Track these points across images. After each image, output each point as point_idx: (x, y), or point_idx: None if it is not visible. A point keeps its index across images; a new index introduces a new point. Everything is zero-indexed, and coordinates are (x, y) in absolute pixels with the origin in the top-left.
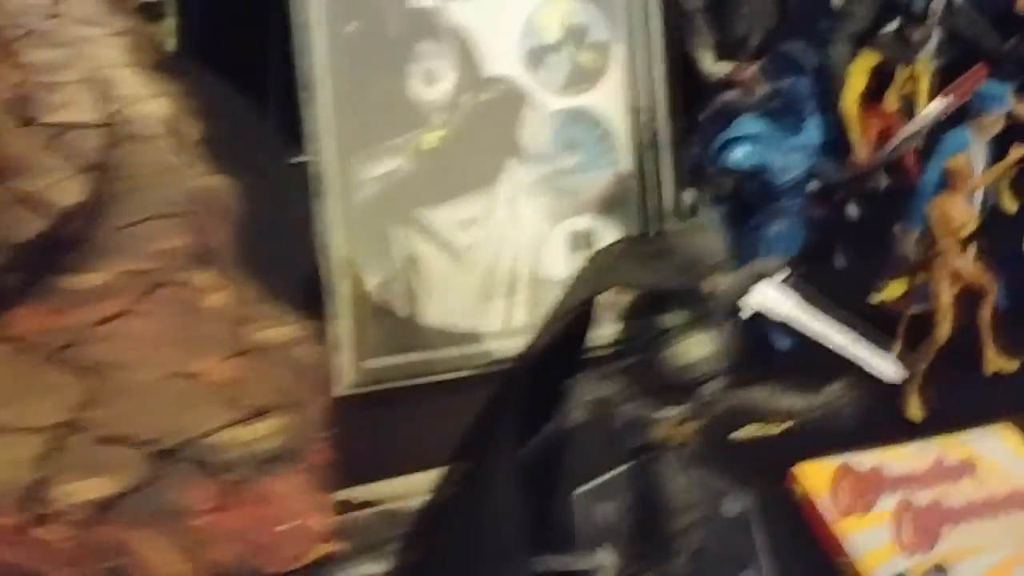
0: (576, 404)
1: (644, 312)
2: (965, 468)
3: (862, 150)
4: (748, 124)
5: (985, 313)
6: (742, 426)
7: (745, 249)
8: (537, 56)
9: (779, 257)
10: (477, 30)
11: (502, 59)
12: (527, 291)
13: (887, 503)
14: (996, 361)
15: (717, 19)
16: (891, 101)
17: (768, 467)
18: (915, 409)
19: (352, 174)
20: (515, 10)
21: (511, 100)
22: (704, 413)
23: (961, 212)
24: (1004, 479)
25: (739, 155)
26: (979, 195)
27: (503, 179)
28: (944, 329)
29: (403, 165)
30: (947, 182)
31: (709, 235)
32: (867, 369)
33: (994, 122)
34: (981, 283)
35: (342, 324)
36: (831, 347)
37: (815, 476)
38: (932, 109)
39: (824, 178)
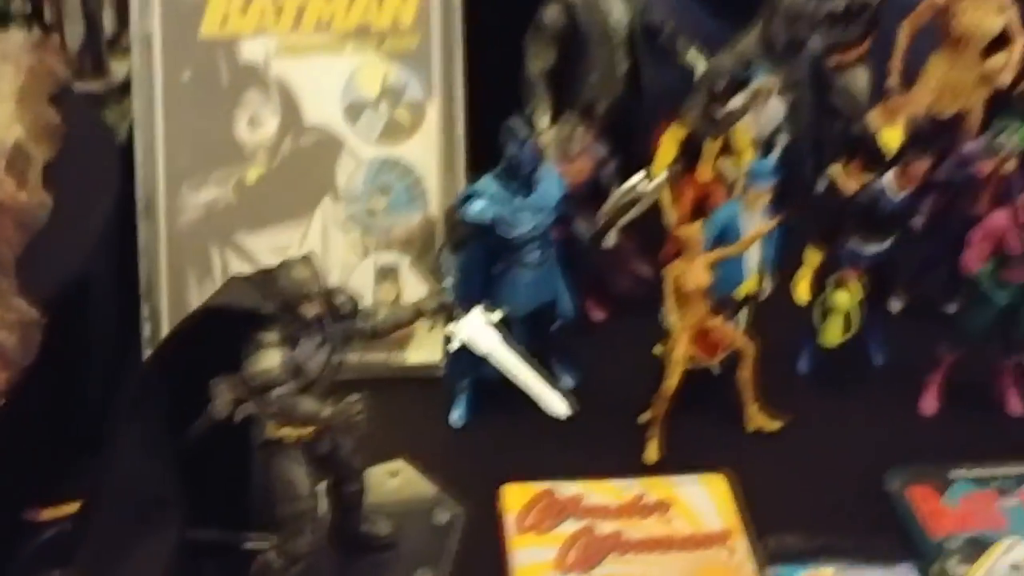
0: (218, 401)
1: (250, 327)
2: (659, 507)
3: (672, 216)
4: (485, 183)
5: (744, 373)
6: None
7: (491, 293)
8: (356, 110)
9: (523, 304)
10: (301, 84)
11: (323, 111)
12: None
13: (569, 527)
14: (757, 419)
15: (564, 85)
16: (704, 172)
17: (488, 483)
18: (652, 452)
19: (180, 199)
20: (338, 69)
21: (329, 146)
22: (273, 412)
23: (695, 277)
24: (690, 522)
25: (475, 209)
26: (754, 261)
27: (317, 214)
28: (672, 381)
29: (226, 195)
30: (679, 249)
31: (302, 268)
32: (541, 405)
33: (762, 196)
34: (737, 345)
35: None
36: (516, 382)
37: (517, 496)
38: (635, 181)
39: (575, 234)
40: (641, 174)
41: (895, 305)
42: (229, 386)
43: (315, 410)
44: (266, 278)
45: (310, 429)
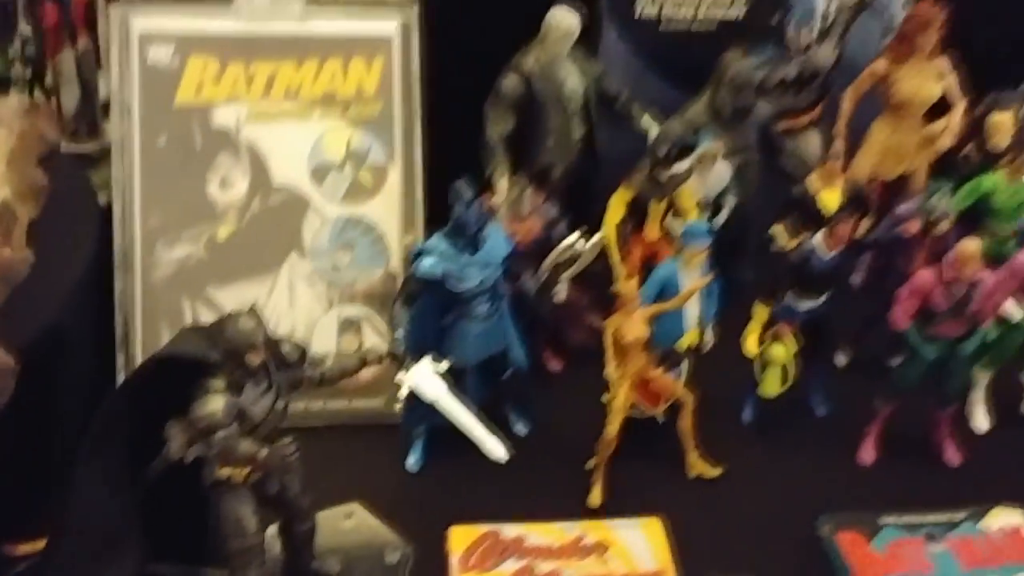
0: (172, 443)
1: (200, 374)
2: (598, 548)
3: (621, 271)
4: (435, 241)
5: (684, 422)
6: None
7: (441, 343)
8: (322, 172)
9: (473, 354)
10: (270, 148)
11: (291, 172)
12: None
13: (511, 566)
14: (698, 466)
15: (522, 150)
16: (651, 231)
17: (438, 525)
18: (595, 496)
19: (155, 255)
20: (305, 133)
21: (296, 205)
22: (216, 452)
23: (633, 330)
24: (626, 563)
25: (425, 265)
26: (693, 316)
27: (284, 269)
28: (612, 428)
29: (198, 251)
30: (617, 304)
31: (248, 320)
32: (482, 449)
33: (698, 255)
34: (677, 395)
35: None
36: (460, 427)
37: (462, 537)
38: (571, 240)
39: (521, 288)
40: (577, 234)
41: (841, 359)
42: (182, 429)
43: (252, 451)
44: (215, 328)
45: (249, 469)
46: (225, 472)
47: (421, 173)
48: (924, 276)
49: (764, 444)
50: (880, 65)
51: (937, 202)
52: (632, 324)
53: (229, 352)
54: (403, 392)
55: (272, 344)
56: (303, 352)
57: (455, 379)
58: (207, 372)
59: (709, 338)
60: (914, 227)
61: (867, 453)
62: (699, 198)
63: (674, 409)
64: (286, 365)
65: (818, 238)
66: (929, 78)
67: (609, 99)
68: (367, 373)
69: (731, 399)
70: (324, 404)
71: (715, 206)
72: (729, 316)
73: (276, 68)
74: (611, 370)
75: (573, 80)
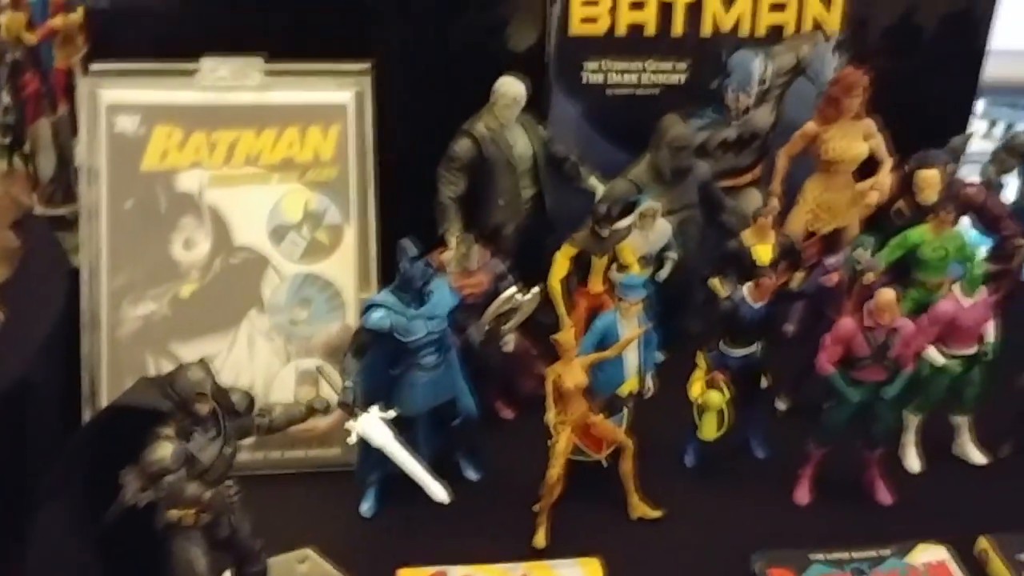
0: (127, 489)
1: (152, 422)
2: None
3: (567, 323)
4: (384, 295)
5: (626, 466)
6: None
7: (391, 392)
8: (281, 232)
9: (419, 404)
10: (232, 210)
11: (251, 233)
12: None
13: None
14: (640, 508)
15: (475, 210)
16: (595, 284)
17: (389, 568)
18: (540, 538)
19: (120, 313)
20: (265, 196)
21: (256, 264)
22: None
23: (573, 378)
24: None
25: (374, 318)
26: (633, 364)
27: (244, 325)
28: (554, 472)
29: (162, 309)
30: (557, 352)
31: (197, 370)
32: (426, 491)
33: (634, 306)
34: (618, 440)
35: None
36: (404, 470)
37: None
38: (509, 293)
39: (468, 339)
40: (515, 288)
41: (781, 405)
42: (136, 475)
43: (197, 494)
44: (167, 379)
45: (196, 511)
46: (174, 515)
47: (375, 232)
48: (846, 324)
49: (705, 486)
50: (810, 127)
51: (861, 255)
52: (572, 372)
53: (179, 401)
54: (352, 439)
55: (221, 393)
56: (251, 401)
57: (407, 427)
58: (159, 420)
59: (650, 385)
60: (835, 278)
61: (802, 494)
62: (642, 253)
63: (617, 453)
64: (235, 413)
65: (746, 290)
66: (856, 138)
67: (558, 161)
68: (320, 422)
69: (675, 444)
70: (282, 453)
71: (658, 260)
72: (674, 364)
73: (237, 136)
74: (551, 416)
75: (522, 144)
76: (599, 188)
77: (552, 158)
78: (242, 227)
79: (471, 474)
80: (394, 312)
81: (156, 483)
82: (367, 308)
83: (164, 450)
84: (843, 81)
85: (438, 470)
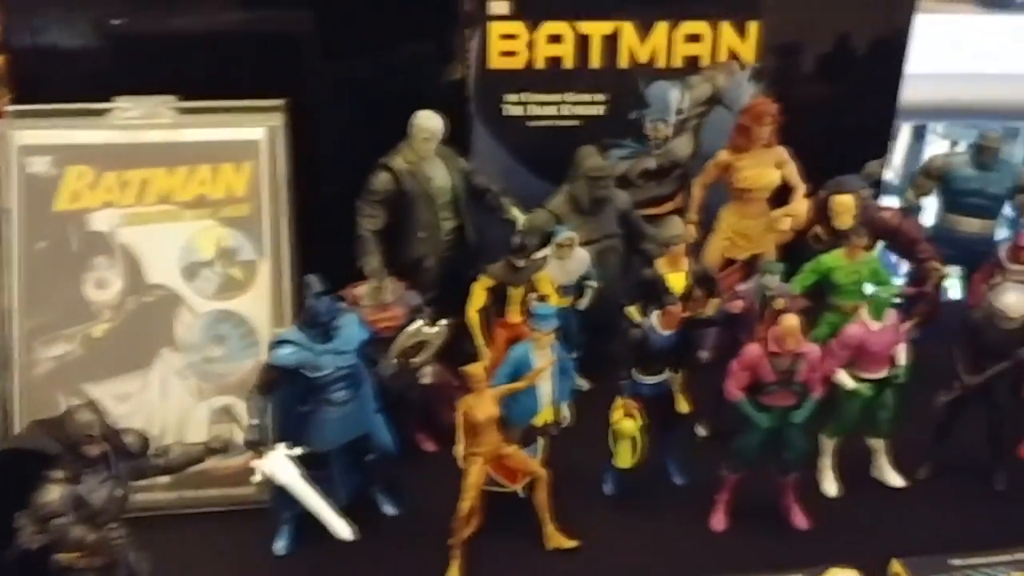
0: (21, 532)
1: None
2: None
3: (485, 354)
4: (291, 331)
5: (540, 496)
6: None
7: (300, 430)
8: (193, 270)
9: (331, 440)
10: (144, 249)
11: (163, 271)
12: None
13: None
14: (555, 538)
15: (395, 243)
16: (513, 315)
17: None
18: (453, 572)
19: (33, 353)
20: (176, 234)
21: (169, 303)
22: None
23: (484, 409)
24: None
25: (280, 353)
26: (546, 394)
27: (157, 364)
28: (465, 505)
29: (75, 349)
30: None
31: (86, 412)
32: (330, 529)
33: (546, 337)
34: (532, 470)
35: None
36: (308, 508)
37: None
38: (415, 327)
39: (380, 376)
40: (420, 321)
41: (701, 431)
42: (30, 518)
43: (81, 536)
44: (56, 421)
45: (81, 555)
46: (63, 558)
47: (289, 268)
48: (751, 350)
49: (623, 514)
50: (723, 156)
51: (770, 281)
52: (483, 403)
53: (68, 444)
54: (256, 477)
55: (112, 435)
56: (146, 442)
57: (322, 463)
58: (48, 463)
59: (566, 414)
60: (739, 305)
61: (718, 520)
62: (561, 283)
63: (534, 484)
64: (128, 455)
65: (654, 318)
66: (768, 165)
67: (479, 193)
68: (233, 460)
69: (596, 473)
70: (197, 492)
71: (579, 290)
72: (599, 393)
73: (149, 174)
74: (460, 449)
75: (441, 176)
76: (521, 219)
77: (474, 190)
78: (155, 265)
79: (388, 509)
80: (301, 348)
81: (46, 526)
82: (274, 344)
83: (52, 493)
84: (753, 110)
85: (356, 506)
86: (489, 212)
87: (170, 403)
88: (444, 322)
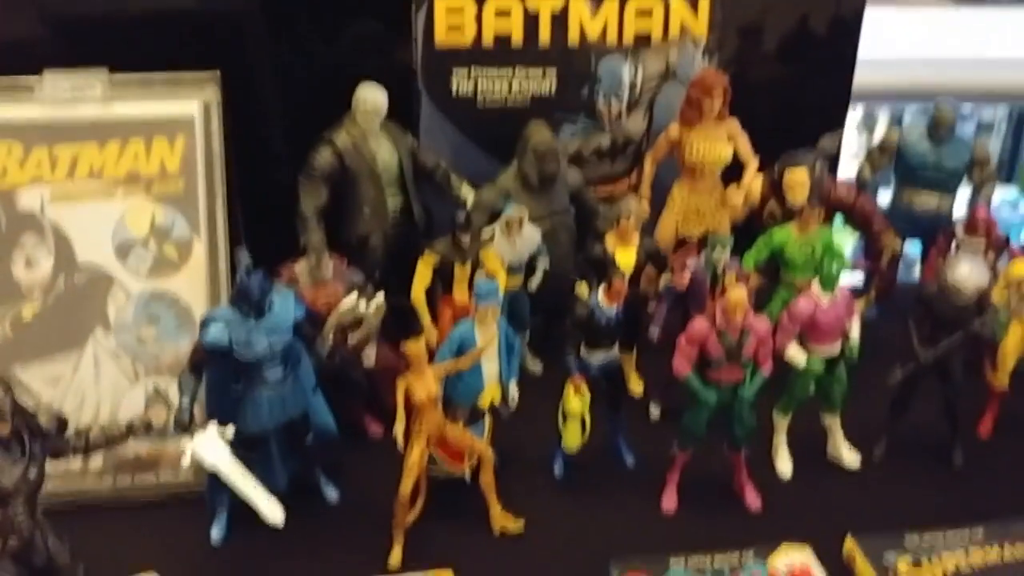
0: None
1: None
2: None
3: (431, 333)
4: (222, 309)
5: (486, 478)
6: None
7: (234, 410)
8: (126, 248)
9: (266, 421)
10: (74, 227)
11: (95, 250)
12: None
13: None
14: (501, 520)
15: (339, 220)
16: (459, 293)
17: None
18: (395, 556)
19: None
20: (108, 211)
21: (101, 282)
22: None
23: (424, 388)
24: None
25: (211, 332)
26: (492, 372)
27: (89, 345)
28: (406, 486)
29: (3, 331)
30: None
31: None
32: (260, 513)
33: (489, 312)
34: (474, 450)
35: None
36: (238, 492)
37: None
38: (349, 303)
39: (316, 354)
40: (354, 296)
41: (654, 411)
42: None
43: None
44: None
45: None
46: None
47: (225, 246)
48: (698, 324)
49: (571, 496)
50: (673, 129)
51: (718, 255)
52: (423, 382)
53: None
54: (186, 460)
55: (25, 414)
56: (62, 422)
57: (260, 445)
58: None
59: (514, 394)
60: (685, 280)
61: (669, 499)
62: (509, 260)
63: (479, 466)
64: (42, 435)
65: (599, 294)
66: (719, 139)
67: (427, 171)
68: (168, 445)
69: (545, 456)
70: (132, 479)
71: (529, 269)
72: (551, 374)
73: (79, 150)
74: (399, 428)
75: (386, 152)
76: (470, 196)
77: (421, 168)
78: (86, 244)
79: (330, 493)
80: (232, 325)
81: None
82: (203, 323)
83: None
84: (702, 83)
85: (296, 491)
86: (438, 190)
87: (104, 385)
88: (380, 299)
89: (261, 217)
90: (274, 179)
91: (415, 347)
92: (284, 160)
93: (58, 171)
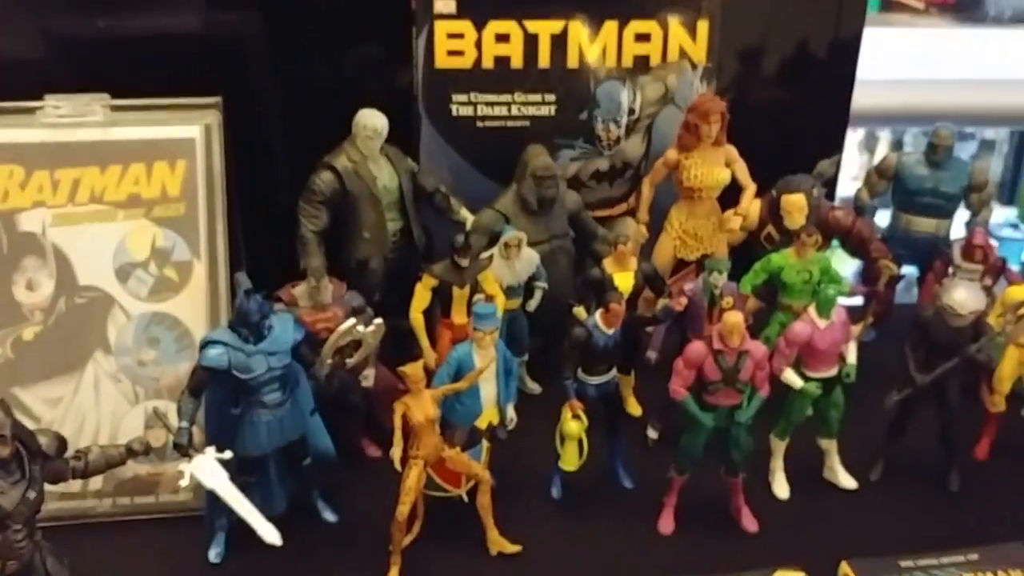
0: None
1: None
2: None
3: (429, 355)
4: (221, 331)
5: (483, 500)
6: None
7: (233, 433)
8: (127, 271)
9: (264, 444)
10: (76, 249)
11: (96, 272)
12: None
13: None
14: (498, 543)
15: (339, 244)
16: (457, 315)
17: None
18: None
19: None
20: (109, 234)
21: (101, 304)
22: None
23: (422, 410)
24: None
25: (210, 354)
26: (490, 395)
27: (90, 367)
28: (403, 509)
29: (4, 353)
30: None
31: None
32: (258, 533)
33: (488, 336)
34: (473, 473)
35: None
36: (237, 513)
37: None
38: (347, 325)
39: (314, 377)
40: (352, 320)
41: (652, 433)
42: None
43: None
44: None
45: None
46: None
47: (226, 269)
48: (696, 347)
49: (569, 519)
50: (671, 154)
51: (717, 279)
52: (421, 404)
53: None
54: (184, 481)
55: (26, 435)
56: (62, 443)
57: (258, 468)
58: None
59: (512, 416)
60: (682, 303)
61: (666, 523)
62: (508, 283)
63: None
64: (43, 456)
65: (597, 317)
66: (717, 164)
67: (426, 194)
68: (167, 466)
69: (542, 477)
70: (132, 499)
71: (528, 291)
72: (550, 396)
73: (81, 173)
74: (397, 452)
75: (387, 176)
76: (470, 220)
77: (420, 191)
78: (87, 266)
79: (328, 516)
80: (232, 348)
81: None
82: (204, 345)
83: None
84: (700, 107)
85: (294, 513)
86: (438, 213)
87: (103, 407)
88: (379, 321)
89: (262, 240)
90: (275, 202)
91: (413, 369)
92: (285, 183)
93: (59, 194)
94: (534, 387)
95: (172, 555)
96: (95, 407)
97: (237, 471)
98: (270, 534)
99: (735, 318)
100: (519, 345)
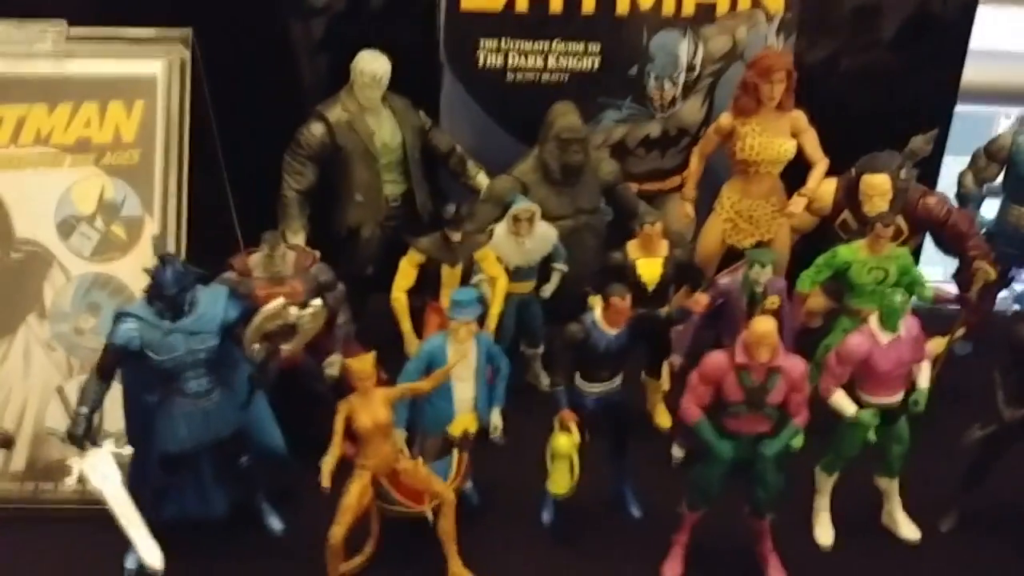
0: None
1: None
2: None
3: (411, 341)
4: (138, 305)
5: (445, 523)
6: None
7: (148, 425)
8: (70, 225)
9: (184, 439)
10: (15, 197)
11: (35, 224)
12: (29, 439)
13: None
14: (460, 573)
15: (327, 207)
16: (446, 298)
17: None
18: None
19: None
20: (53, 182)
21: (39, 261)
22: None
23: (371, 414)
24: None
25: (120, 330)
26: (466, 398)
27: (21, 332)
28: (338, 531)
29: None
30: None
31: None
32: (137, 553)
33: (466, 326)
34: (432, 491)
35: None
36: (119, 523)
37: None
38: (275, 306)
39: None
40: (281, 300)
41: (677, 452)
42: None
43: None
44: None
45: None
46: None
47: (183, 228)
48: (715, 359)
49: (558, 550)
50: (725, 119)
51: (759, 274)
52: (369, 406)
53: None
54: (71, 479)
55: None
56: None
57: (181, 468)
58: None
59: (497, 424)
60: (702, 303)
61: (672, 566)
62: (516, 263)
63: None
64: None
65: (597, 314)
66: (780, 133)
67: (440, 155)
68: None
69: (534, 496)
70: (54, 486)
71: (543, 273)
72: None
73: (26, 112)
74: (329, 462)
75: (386, 132)
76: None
77: (433, 151)
78: (25, 216)
79: (275, 523)
80: (147, 325)
81: None
82: (115, 319)
83: None
84: (760, 63)
85: (236, 519)
86: (453, 178)
87: (33, 378)
88: (318, 303)
89: (253, 200)
90: (266, 157)
91: (360, 363)
92: (277, 136)
93: (1, 133)
94: (545, 381)
95: (87, 555)
96: (24, 378)
97: (158, 470)
98: (151, 556)
99: (764, 326)
100: (532, 336)
